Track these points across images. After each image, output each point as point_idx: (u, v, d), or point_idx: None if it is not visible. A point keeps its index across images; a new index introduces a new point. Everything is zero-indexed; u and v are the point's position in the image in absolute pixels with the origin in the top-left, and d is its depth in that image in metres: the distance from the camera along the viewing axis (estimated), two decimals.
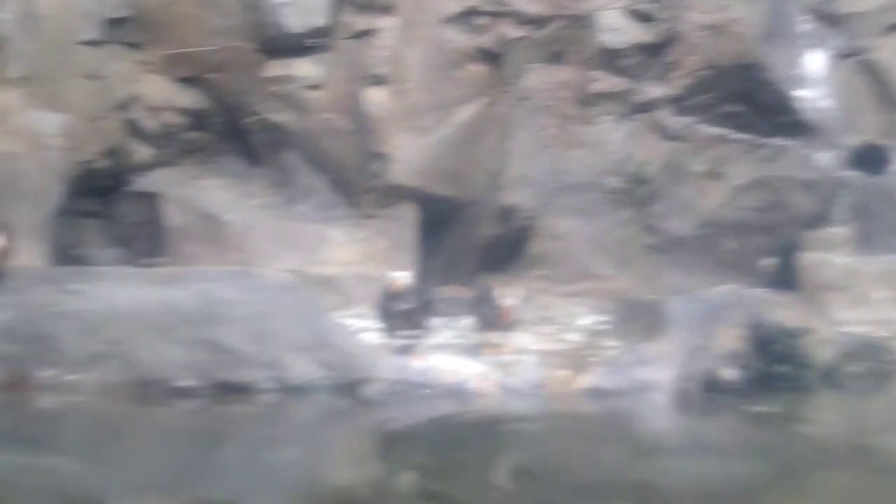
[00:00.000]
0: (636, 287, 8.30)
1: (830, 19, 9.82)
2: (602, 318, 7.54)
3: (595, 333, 7.59)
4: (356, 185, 8.20)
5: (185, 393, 6.13)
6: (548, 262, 8.28)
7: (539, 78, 8.22)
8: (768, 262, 8.69)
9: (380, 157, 8.09)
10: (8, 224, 6.52)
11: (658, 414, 6.14)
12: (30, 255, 7.03)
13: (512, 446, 5.46)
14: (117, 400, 6.06)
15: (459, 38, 8.22)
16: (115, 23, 7.91)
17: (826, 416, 6.40)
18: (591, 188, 8.36)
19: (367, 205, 8.18)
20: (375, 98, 8.05)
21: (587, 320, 8.05)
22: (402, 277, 6.73)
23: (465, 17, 8.25)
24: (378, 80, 8.06)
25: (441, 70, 8.20)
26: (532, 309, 8.17)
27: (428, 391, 6.31)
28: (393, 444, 5.69)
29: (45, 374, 6.10)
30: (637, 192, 8.47)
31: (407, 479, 4.75)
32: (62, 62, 7.81)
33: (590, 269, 8.35)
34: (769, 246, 8.69)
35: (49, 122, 7.57)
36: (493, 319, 6.76)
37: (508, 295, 7.01)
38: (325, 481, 4.78)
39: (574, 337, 7.54)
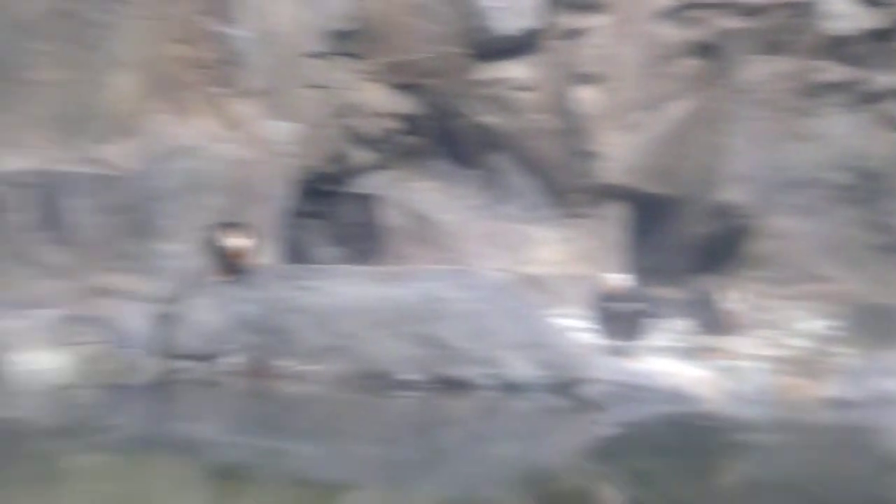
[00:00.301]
0: (866, 290, 7.71)
1: None
2: (831, 323, 7.07)
3: (824, 339, 7.14)
4: (565, 184, 8.18)
5: (407, 385, 6.36)
6: (767, 262, 7.87)
7: (757, 70, 7.83)
8: None
9: (590, 155, 8.02)
10: (251, 226, 7.03)
11: None
12: (267, 254, 7.57)
13: (748, 455, 5.23)
14: (346, 390, 6.38)
15: (673, 33, 7.99)
16: (339, 35, 8.33)
17: None
18: (814, 184, 7.86)
19: (575, 204, 8.14)
20: (586, 97, 8.00)
21: (812, 325, 7.58)
22: (619, 279, 6.63)
23: (680, 10, 8.01)
24: (588, 79, 7.99)
25: (653, 66, 8.01)
26: (751, 312, 7.83)
27: (646, 394, 6.17)
28: (618, 446, 5.62)
29: (283, 363, 6.51)
30: (865, 188, 7.87)
31: (635, 484, 4.67)
32: (292, 74, 8.33)
33: (814, 271, 7.85)
34: None
35: (281, 130, 8.09)
36: (714, 323, 6.52)
37: (731, 297, 6.74)
38: (552, 479, 4.80)
39: (799, 342, 7.13)
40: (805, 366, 6.29)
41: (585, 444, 5.67)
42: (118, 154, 7.36)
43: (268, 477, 4.48)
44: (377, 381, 6.33)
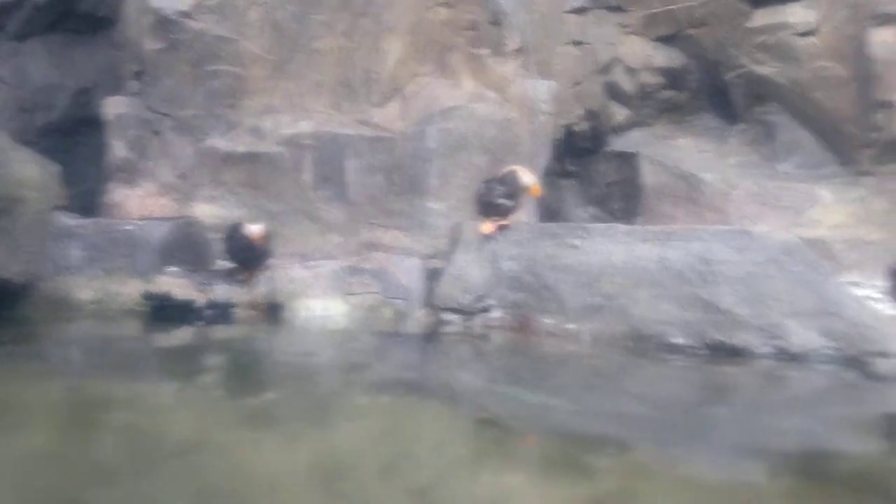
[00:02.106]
0: None
1: None
2: None
3: None
4: (851, 139, 7.30)
5: (677, 350, 5.97)
6: None
7: None
8: None
9: (885, 106, 7.07)
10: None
11: None
12: (524, 212, 7.46)
13: None
14: (612, 351, 6.12)
15: None
16: None
17: None
18: None
19: (863, 161, 7.25)
20: (883, 40, 7.02)
21: None
22: None
23: None
24: (887, 20, 7.01)
25: None
26: None
27: None
28: None
29: (548, 321, 6.37)
30: None
31: None
32: (551, 31, 8.11)
33: None
34: None
35: (540, 89, 7.91)
36: None
37: None
38: (831, 457, 4.24)
39: None
40: None
41: (873, 421, 4.98)
42: (389, 116, 7.55)
43: (529, 428, 4.36)
44: (644, 343, 6.00)
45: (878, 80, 7.00)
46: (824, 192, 7.25)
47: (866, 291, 6.20)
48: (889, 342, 5.62)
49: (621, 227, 6.88)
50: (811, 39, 7.25)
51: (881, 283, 6.16)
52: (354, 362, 5.73)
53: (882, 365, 5.52)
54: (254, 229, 6.49)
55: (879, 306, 5.99)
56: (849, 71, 7.16)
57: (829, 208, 7.24)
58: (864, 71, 7.07)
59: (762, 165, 7.66)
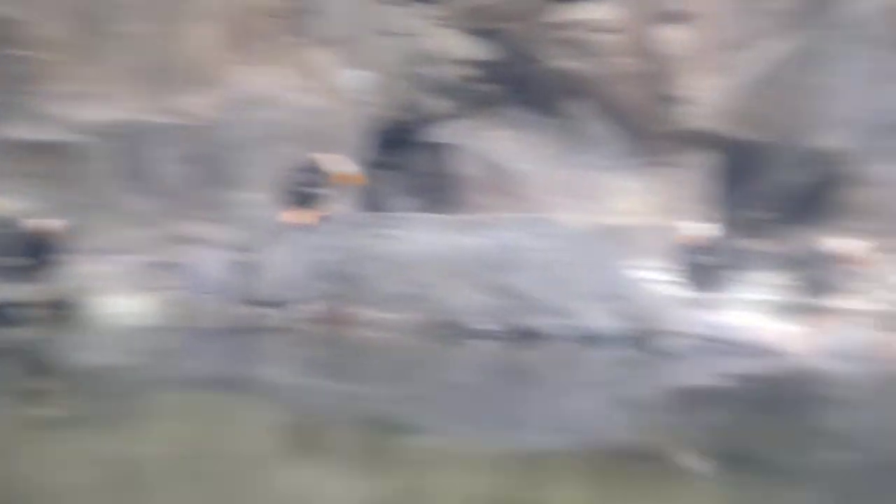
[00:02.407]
0: None
1: None
2: None
3: None
4: (648, 131, 7.71)
5: (482, 335, 6.12)
6: (872, 212, 7.25)
7: (856, 6, 7.13)
8: None
9: (675, 100, 7.51)
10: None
11: None
12: (343, 202, 7.41)
13: (818, 410, 4.79)
14: (422, 338, 6.19)
15: None
16: None
17: None
18: None
19: (660, 152, 7.67)
20: (672, 37, 7.45)
21: None
22: (703, 230, 6.18)
23: None
24: (675, 18, 7.43)
25: (746, 2, 7.39)
26: (861, 265, 7.24)
27: (728, 348, 5.76)
28: (694, 398, 5.26)
29: (359, 311, 6.36)
30: None
31: (706, 437, 4.36)
32: (367, 22, 8.07)
33: None
34: None
35: (357, 79, 7.86)
36: (817, 277, 5.98)
37: (839, 250, 6.17)
38: (621, 431, 4.49)
39: None
40: None
41: (660, 397, 5.32)
42: (198, 104, 7.28)
43: (336, 419, 4.35)
44: (452, 330, 6.11)
45: (667, 75, 7.45)
46: (625, 182, 7.64)
47: (659, 274, 6.58)
48: (672, 321, 5.99)
49: (432, 217, 6.96)
50: (610, 36, 7.61)
51: (671, 265, 6.55)
52: (155, 360, 5.50)
53: (665, 343, 5.89)
54: (45, 223, 6.10)
55: (666, 288, 6.37)
56: (644, 67, 7.57)
57: (629, 197, 7.64)
58: (656, 66, 7.49)
59: (570, 156, 7.96)
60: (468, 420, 4.56)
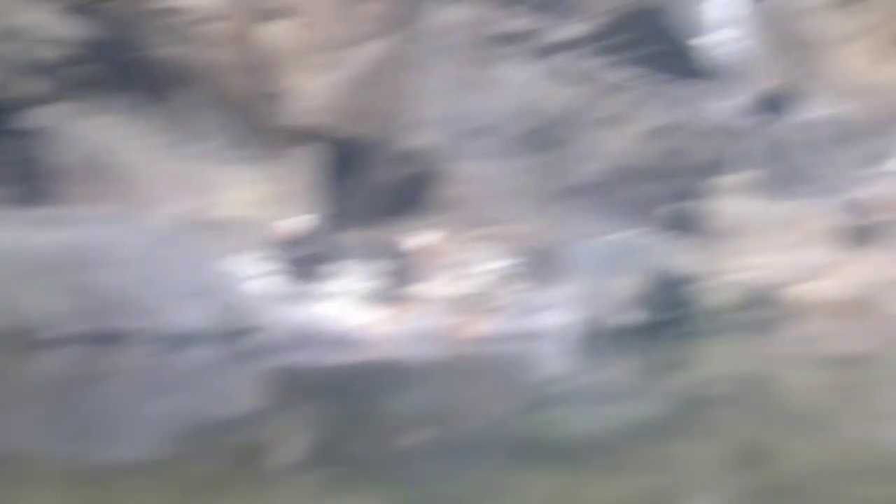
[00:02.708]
0: (544, 232, 8.06)
1: None
2: (508, 263, 7.27)
3: (501, 279, 7.33)
4: (255, 124, 7.66)
5: (55, 343, 5.63)
6: (457, 205, 7.94)
7: (441, 16, 7.76)
8: (671, 208, 8.56)
9: (280, 94, 7.55)
10: None
11: (552, 359, 5.93)
12: None
13: (397, 396, 5.18)
14: None
15: None
16: None
17: (711, 360, 6.28)
18: (497, 131, 8.01)
19: (267, 145, 7.66)
20: (274, 32, 7.46)
21: (493, 265, 7.79)
22: (298, 223, 6.30)
23: None
24: (277, 13, 7.45)
25: (345, 4, 7.65)
26: (443, 253, 7.89)
27: (321, 340, 5.95)
28: (282, 395, 5.35)
29: None
30: (544, 137, 8.16)
31: (288, 434, 4.47)
32: None
33: (497, 214, 8.05)
34: (673, 191, 8.53)
35: None
36: (401, 267, 6.39)
37: (419, 241, 6.64)
38: (188, 436, 4.41)
39: (480, 282, 7.27)
40: (476, 305, 6.40)
41: (248, 395, 5.34)
42: None
43: None
44: (18, 339, 5.52)
45: (272, 69, 7.49)
46: (233, 175, 7.52)
47: (256, 268, 6.56)
48: (265, 317, 6.02)
49: (6, 211, 6.25)
50: (213, 26, 7.43)
51: (269, 259, 6.57)
52: None
53: (257, 338, 5.90)
54: None
55: (261, 282, 6.39)
56: (249, 60, 7.52)
57: (237, 190, 7.53)
58: (260, 60, 7.49)
59: (177, 147, 7.65)
60: (37, 434, 4.17)
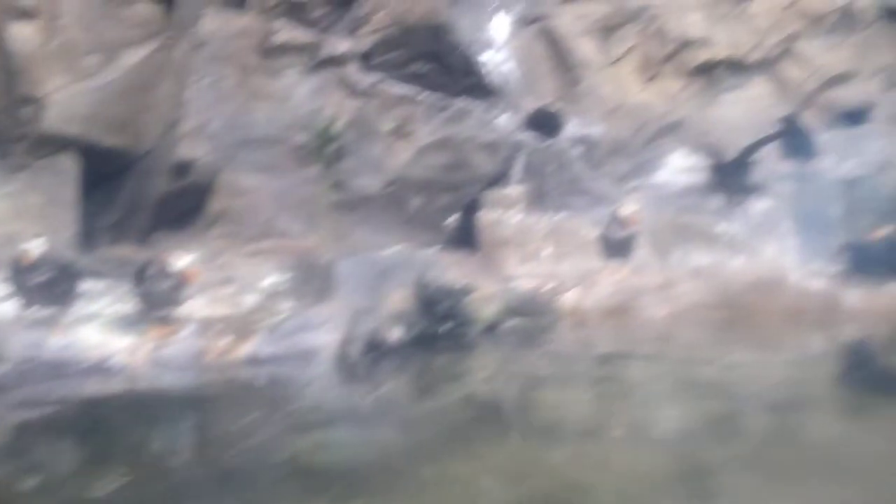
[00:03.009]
0: (323, 245, 7.97)
1: None
2: (280, 280, 7.11)
3: (273, 295, 7.14)
4: (4, 132, 7.00)
5: None
6: (230, 219, 7.70)
7: (217, 24, 7.47)
8: (452, 220, 8.75)
9: (30, 101, 6.92)
10: None
11: (314, 381, 5.83)
12: None
13: (149, 426, 4.90)
14: None
15: None
16: None
17: (480, 373, 6.44)
18: (276, 143, 7.84)
19: (17, 155, 7.00)
20: (23, 34, 6.84)
21: (269, 281, 7.61)
22: (35, 247, 5.80)
23: None
24: (26, 14, 6.84)
25: (105, 7, 7.15)
26: (212, 270, 7.57)
27: (69, 369, 5.51)
28: (18, 434, 4.91)
29: None
30: (324, 149, 8.08)
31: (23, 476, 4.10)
32: None
33: (275, 227, 7.89)
34: (454, 204, 8.73)
35: None
36: (161, 289, 6.00)
37: (184, 259, 6.27)
38: None
39: (251, 300, 7.04)
40: (240, 325, 6.18)
41: None
42: None
43: None
44: None
45: (21, 74, 6.88)
46: None
47: (4, 292, 6.01)
48: (10, 346, 5.51)
49: None
50: None
51: (20, 280, 6.03)
52: None
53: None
54: None
55: (7, 308, 5.85)
56: None
57: None
58: (8, 64, 6.85)
59: None
60: None
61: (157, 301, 6.10)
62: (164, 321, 6.04)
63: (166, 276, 6.16)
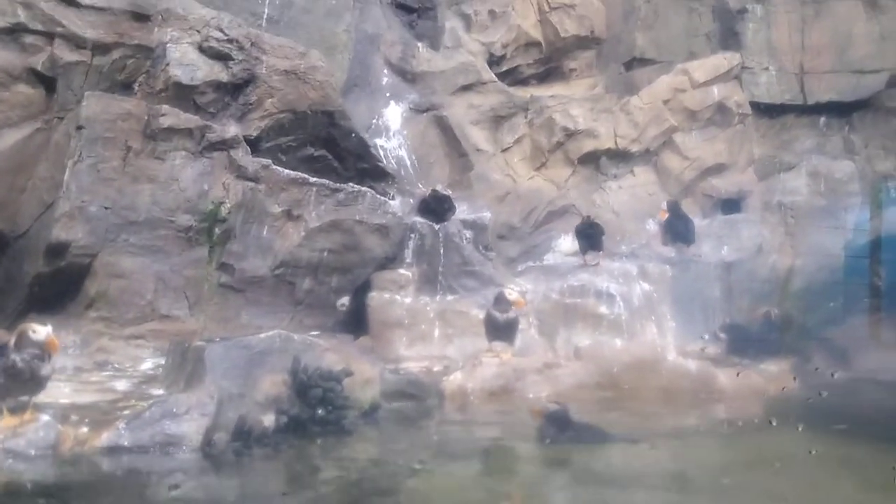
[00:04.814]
0: (207, 328, 7.74)
1: (408, 76, 10.20)
2: (152, 364, 6.85)
3: (147, 381, 6.87)
4: None
5: None
6: (109, 302, 7.40)
7: (101, 107, 7.33)
8: (343, 302, 8.63)
9: None
10: None
11: (175, 472, 5.54)
12: None
13: None
14: None
15: (6, 56, 7.08)
16: None
17: (353, 460, 6.23)
18: (160, 225, 7.63)
19: None
20: None
21: (145, 365, 7.32)
22: None
23: (12, 34, 7.15)
24: None
25: None
26: (87, 354, 7.26)
27: None
28: None
29: None
30: (212, 231, 7.91)
31: None
32: None
33: (158, 310, 7.62)
34: (345, 286, 8.63)
35: None
36: (23, 360, 5.55)
37: (44, 329, 5.87)
38: None
39: (124, 385, 6.75)
40: (100, 413, 5.86)
41: None
42: None
43: None
44: None
45: None
46: None
47: None
48: None
49: None
50: None
51: None
52: None
53: None
54: None
55: None
56: None
57: None
58: None
59: None
60: None
61: (18, 374, 5.64)
62: (22, 408, 5.68)
63: (31, 344, 5.72)
